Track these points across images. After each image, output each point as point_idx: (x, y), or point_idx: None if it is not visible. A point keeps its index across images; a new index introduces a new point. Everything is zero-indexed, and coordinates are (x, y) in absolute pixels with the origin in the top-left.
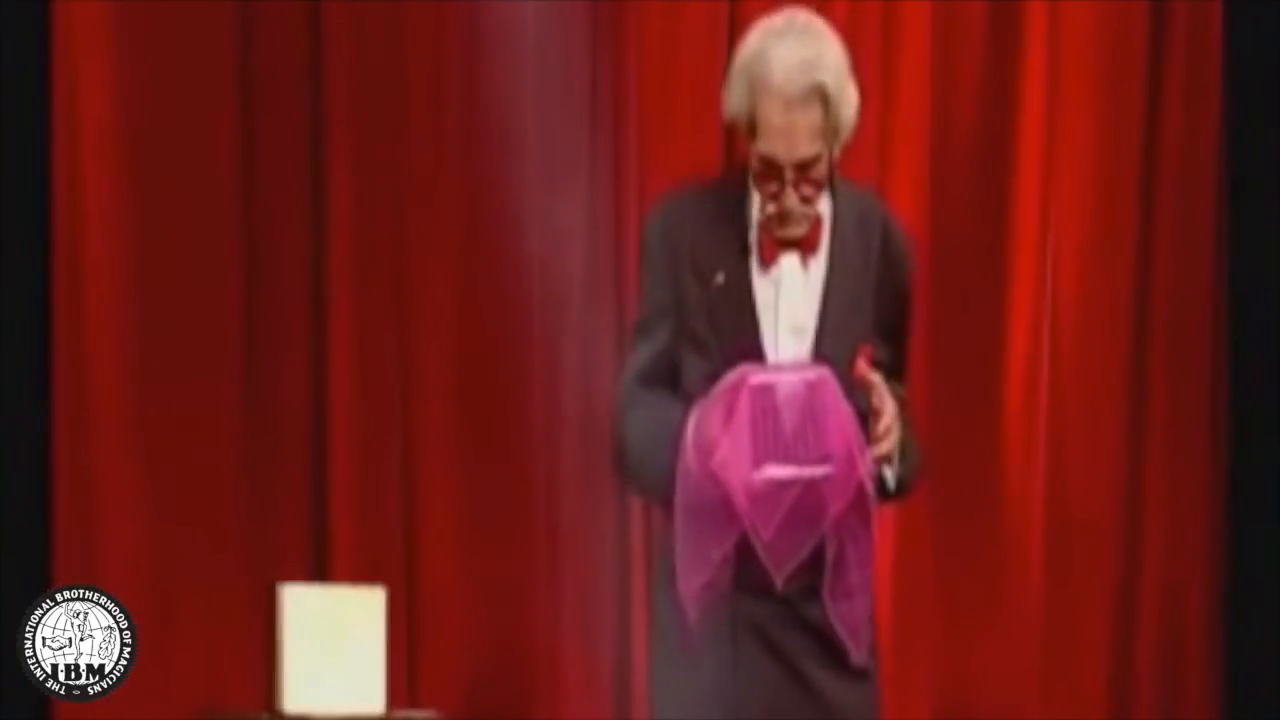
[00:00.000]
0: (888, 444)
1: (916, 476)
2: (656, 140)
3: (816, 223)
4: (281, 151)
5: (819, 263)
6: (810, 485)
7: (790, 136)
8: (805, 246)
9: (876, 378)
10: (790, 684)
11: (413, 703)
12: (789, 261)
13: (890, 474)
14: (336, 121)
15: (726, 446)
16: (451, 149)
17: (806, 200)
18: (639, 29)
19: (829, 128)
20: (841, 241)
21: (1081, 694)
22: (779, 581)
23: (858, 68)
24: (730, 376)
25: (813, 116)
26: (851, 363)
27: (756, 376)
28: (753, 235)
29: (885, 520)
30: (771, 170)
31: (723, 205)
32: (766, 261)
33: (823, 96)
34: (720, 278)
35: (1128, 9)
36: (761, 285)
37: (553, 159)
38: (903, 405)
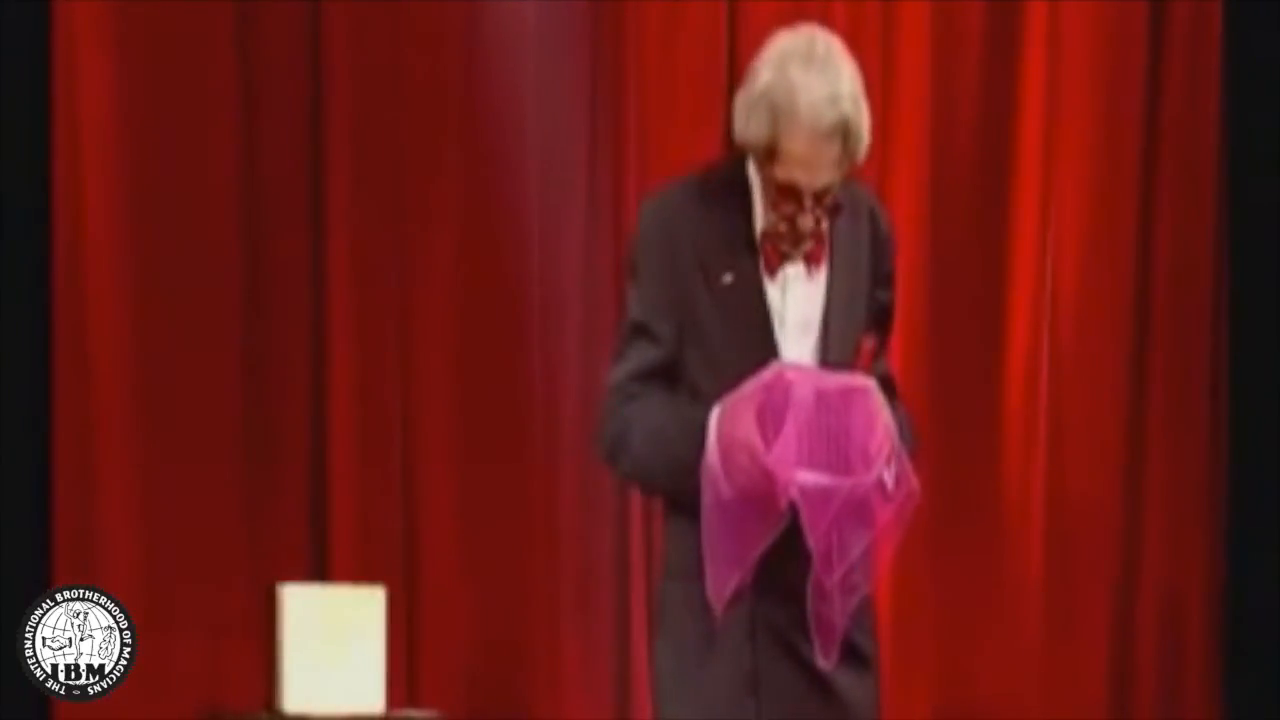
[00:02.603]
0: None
1: (914, 453)
2: (656, 140)
3: (821, 237)
4: (281, 152)
5: (820, 267)
6: (853, 494)
7: (814, 167)
8: (810, 260)
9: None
10: (808, 681)
11: (413, 702)
12: (794, 266)
13: (889, 476)
14: (336, 121)
15: (779, 448)
16: (451, 149)
17: (819, 221)
18: (639, 29)
19: (848, 157)
20: (840, 240)
21: (1081, 693)
22: (829, 583)
23: (858, 68)
24: (765, 376)
25: (835, 148)
26: (854, 353)
27: (796, 379)
28: (758, 235)
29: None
30: (791, 195)
31: (723, 202)
32: (772, 269)
33: (844, 129)
34: (729, 277)
35: (1128, 9)
36: (768, 285)
37: (553, 159)
38: (891, 381)
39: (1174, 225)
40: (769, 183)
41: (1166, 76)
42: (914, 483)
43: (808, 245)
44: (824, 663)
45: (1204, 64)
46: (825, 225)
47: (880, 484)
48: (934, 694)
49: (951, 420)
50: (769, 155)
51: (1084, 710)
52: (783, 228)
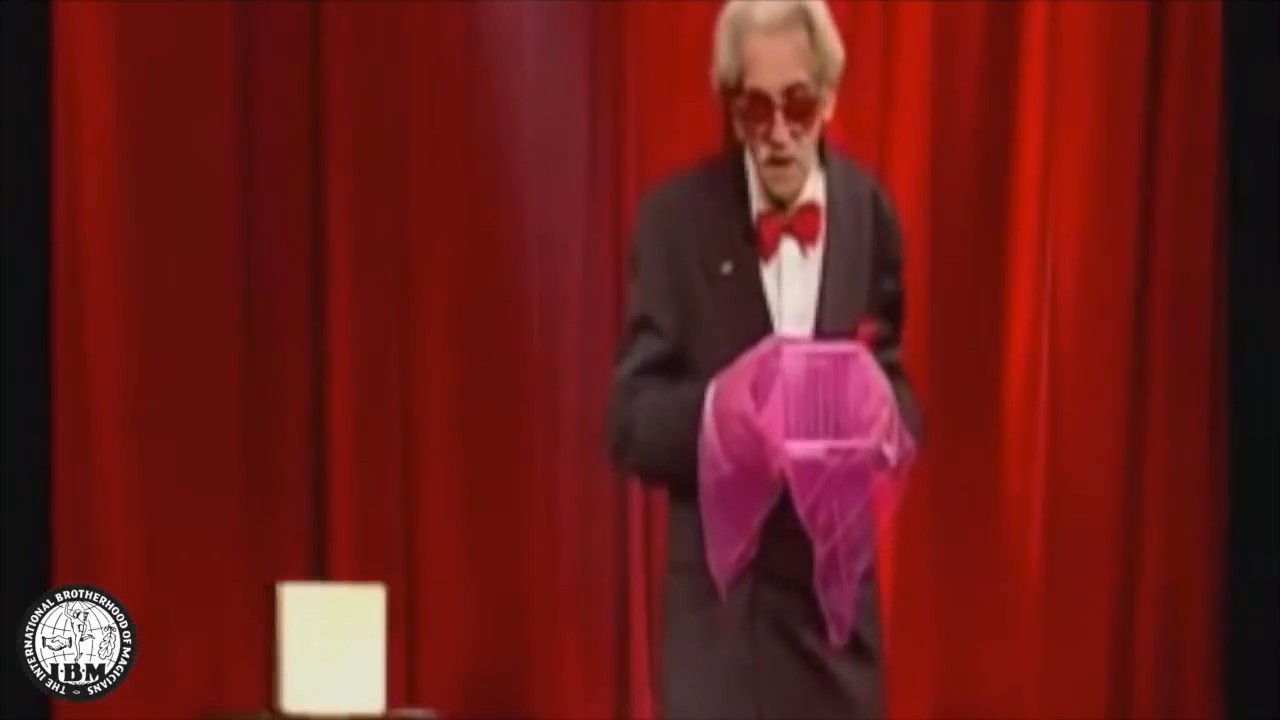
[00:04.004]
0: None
1: (918, 440)
2: (656, 139)
3: (815, 210)
4: (281, 151)
5: (817, 247)
6: (849, 455)
7: (776, 62)
8: (805, 235)
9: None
10: (808, 670)
11: (413, 703)
12: (789, 249)
13: (891, 452)
14: (336, 121)
15: (767, 412)
16: (451, 149)
17: (796, 136)
18: (639, 28)
19: (815, 57)
20: (836, 222)
21: (1081, 694)
22: (821, 550)
23: (858, 68)
24: (758, 349)
25: (797, 40)
26: (850, 340)
27: (789, 347)
28: (754, 223)
29: (885, 518)
30: (760, 106)
31: (720, 192)
32: (768, 249)
33: (806, 21)
34: (727, 267)
35: (1128, 9)
36: (765, 274)
37: (552, 158)
38: (899, 370)
39: (1174, 225)
40: (742, 114)
41: (1166, 77)
42: (907, 441)
43: (795, 180)
44: (835, 639)
45: (1204, 64)
46: (823, 196)
47: (877, 449)
48: (934, 694)
49: (951, 420)
50: (739, 84)
51: (1084, 710)
52: (764, 154)
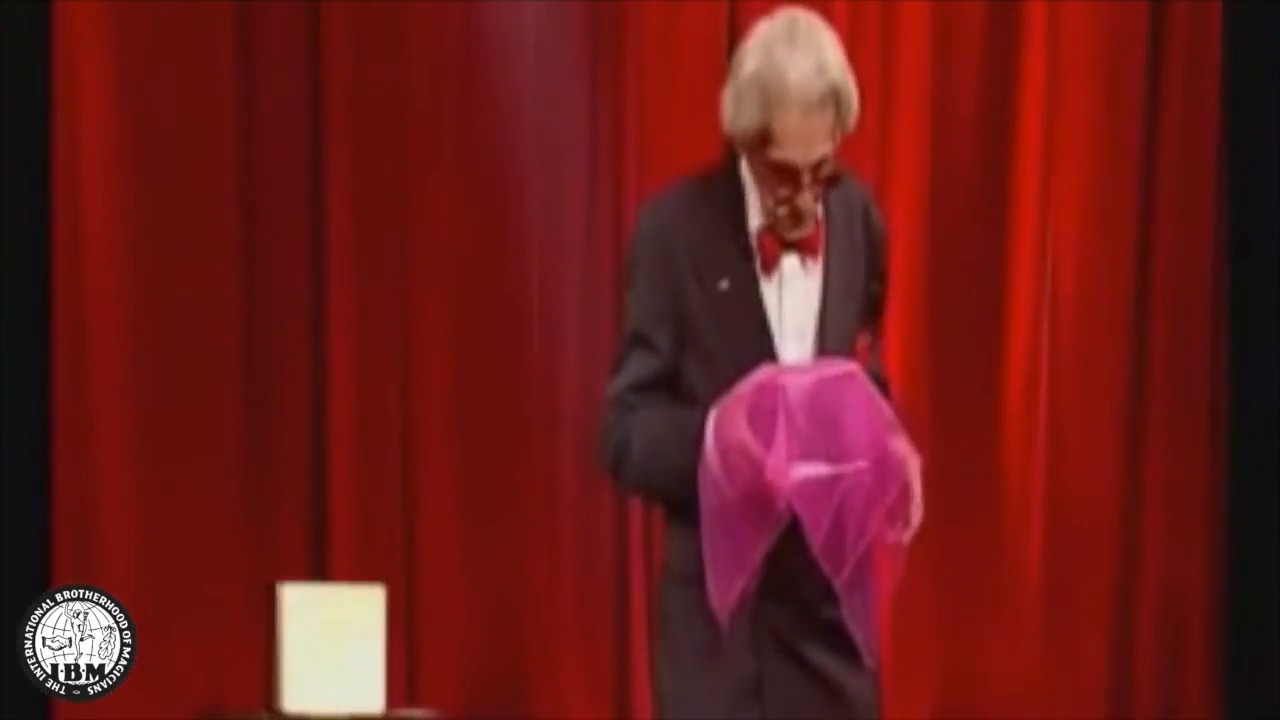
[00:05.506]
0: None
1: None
2: (656, 141)
3: (817, 223)
4: (281, 151)
5: (818, 260)
6: (856, 480)
7: (808, 141)
8: (808, 249)
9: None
10: (812, 685)
11: (413, 702)
12: (789, 264)
13: (913, 462)
14: (336, 121)
15: (773, 448)
16: (451, 149)
17: (818, 198)
18: (639, 28)
19: (839, 124)
20: (835, 235)
21: (1081, 693)
22: (838, 581)
23: (858, 68)
24: (755, 376)
25: (827, 118)
26: (850, 352)
27: (787, 376)
28: (753, 238)
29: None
30: (788, 175)
31: (717, 206)
32: (769, 265)
33: (835, 98)
34: (725, 283)
35: (1128, 9)
36: (765, 289)
37: (552, 159)
38: (880, 381)
39: (1174, 225)
40: (763, 169)
41: (1166, 76)
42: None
43: (809, 227)
44: (869, 661)
45: (1204, 64)
46: (820, 210)
47: (883, 463)
48: (934, 694)
49: (951, 420)
50: (761, 140)
51: (1084, 710)
52: (782, 211)
